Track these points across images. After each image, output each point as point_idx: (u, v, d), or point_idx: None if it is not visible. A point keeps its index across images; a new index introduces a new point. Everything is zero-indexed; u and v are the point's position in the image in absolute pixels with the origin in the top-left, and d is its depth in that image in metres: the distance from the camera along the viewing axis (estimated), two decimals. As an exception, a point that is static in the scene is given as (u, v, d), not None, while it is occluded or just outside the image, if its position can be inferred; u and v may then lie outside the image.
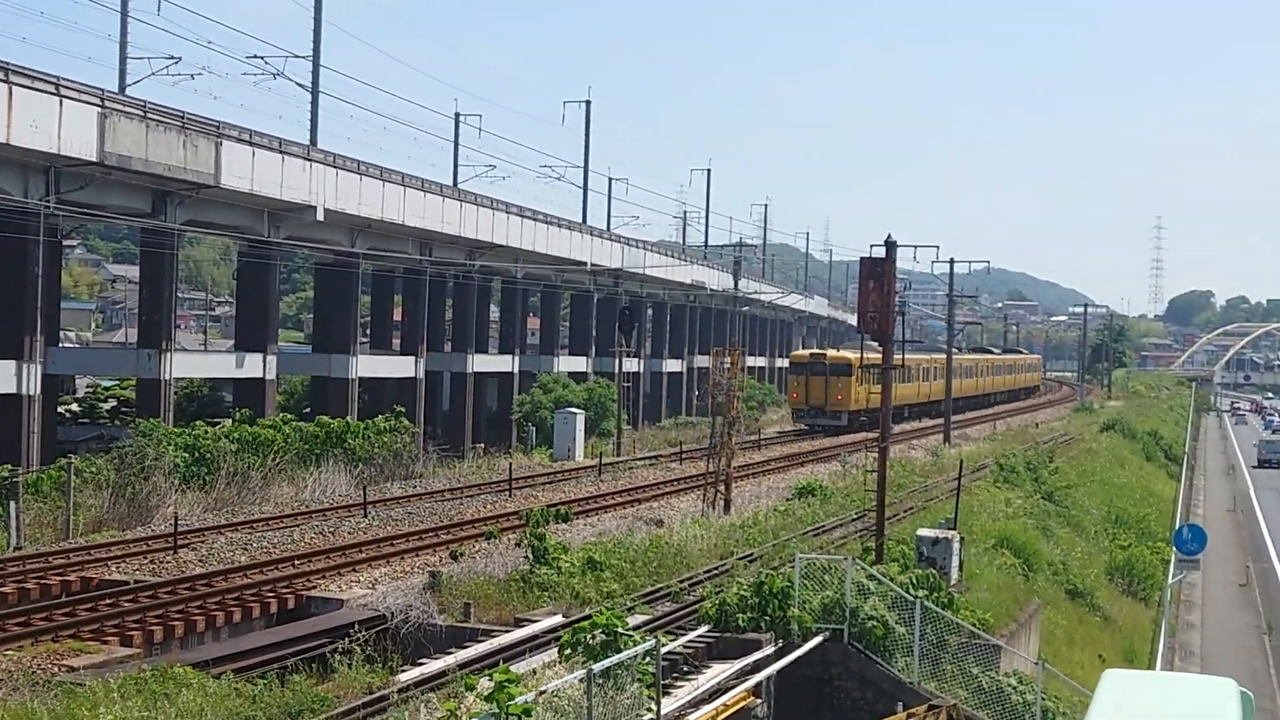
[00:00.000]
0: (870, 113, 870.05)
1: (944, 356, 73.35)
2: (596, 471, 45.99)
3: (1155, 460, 75.55)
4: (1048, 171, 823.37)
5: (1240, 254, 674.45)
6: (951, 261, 66.55)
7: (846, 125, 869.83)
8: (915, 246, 64.21)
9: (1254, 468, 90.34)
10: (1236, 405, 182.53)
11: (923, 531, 26.98)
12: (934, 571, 24.56)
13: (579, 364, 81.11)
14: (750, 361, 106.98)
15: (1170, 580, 36.73)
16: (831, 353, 71.49)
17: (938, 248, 48.28)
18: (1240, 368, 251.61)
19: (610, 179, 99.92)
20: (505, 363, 73.87)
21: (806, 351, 76.59)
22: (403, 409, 50.17)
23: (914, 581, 23.18)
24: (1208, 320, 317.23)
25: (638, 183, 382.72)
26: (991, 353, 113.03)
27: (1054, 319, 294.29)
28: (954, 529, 27.30)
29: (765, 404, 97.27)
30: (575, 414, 53.63)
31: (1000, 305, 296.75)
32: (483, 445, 63.21)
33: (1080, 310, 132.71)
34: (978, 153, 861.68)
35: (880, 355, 27.50)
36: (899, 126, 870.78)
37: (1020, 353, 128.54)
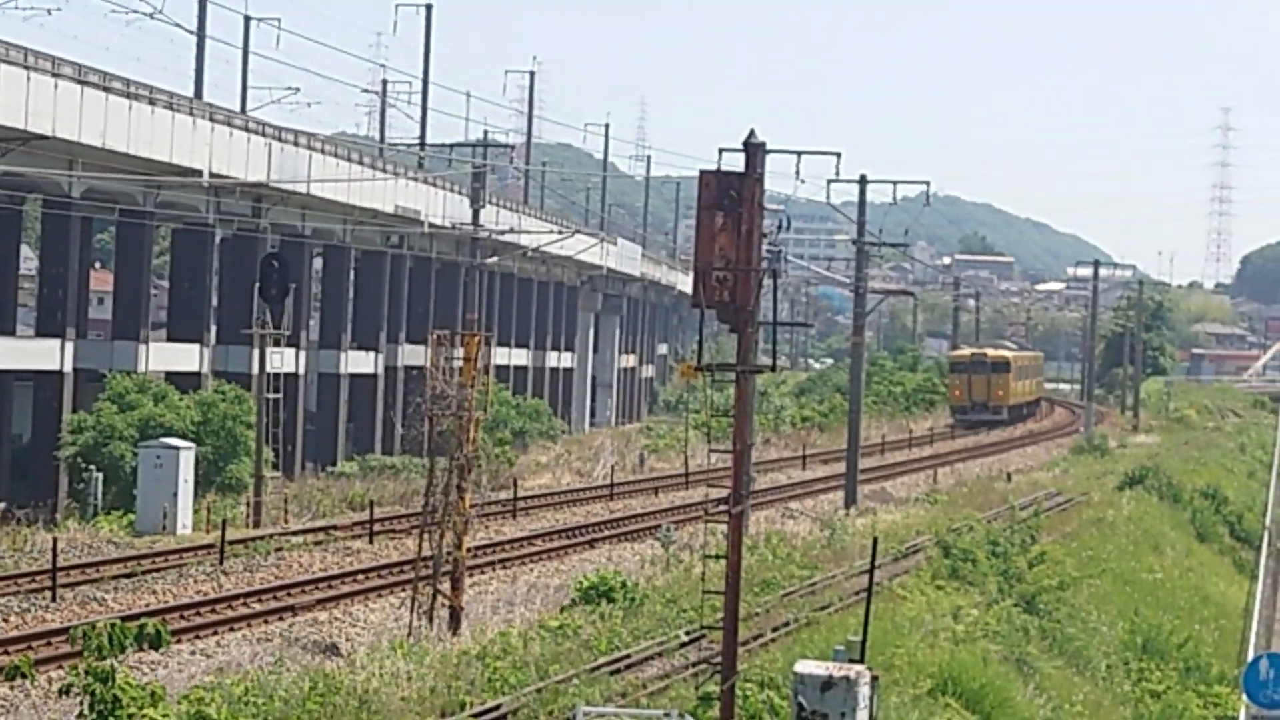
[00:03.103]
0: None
1: (1025, 352, 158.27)
2: (217, 556, 45.77)
3: (1214, 540, 77.59)
4: (1031, 34, 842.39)
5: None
6: (863, 180, 67.48)
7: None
8: (799, 153, 65.28)
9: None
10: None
11: (806, 666, 27.27)
12: (824, 738, 24.86)
13: (187, 357, 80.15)
14: (502, 357, 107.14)
15: (1237, 751, 37.80)
16: (991, 351, 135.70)
17: (839, 156, 49.02)
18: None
19: (248, 19, 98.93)
20: (47, 353, 72.64)
21: (967, 350, 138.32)
22: None
23: (789, 757, 23.44)
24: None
25: (298, 27, 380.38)
26: (1008, 348, 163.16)
27: (1042, 287, 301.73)
28: (861, 661, 27.65)
29: (529, 435, 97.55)
30: (178, 450, 53.47)
31: (948, 261, 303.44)
32: (2, 506, 62.16)
33: (1087, 274, 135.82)
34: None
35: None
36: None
37: (1010, 347, 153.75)
